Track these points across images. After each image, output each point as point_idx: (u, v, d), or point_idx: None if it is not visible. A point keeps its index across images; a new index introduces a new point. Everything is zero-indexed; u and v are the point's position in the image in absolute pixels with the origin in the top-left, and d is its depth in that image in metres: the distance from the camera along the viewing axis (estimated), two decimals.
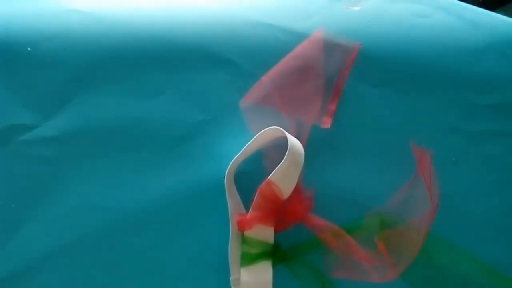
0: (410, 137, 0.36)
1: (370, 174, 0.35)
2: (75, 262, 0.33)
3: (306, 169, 0.33)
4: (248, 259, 0.32)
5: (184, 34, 0.37)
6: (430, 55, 0.38)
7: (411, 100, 0.37)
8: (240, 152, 0.33)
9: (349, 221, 0.34)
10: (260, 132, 0.33)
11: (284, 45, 0.37)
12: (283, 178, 0.32)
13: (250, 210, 0.32)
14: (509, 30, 0.39)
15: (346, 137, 0.36)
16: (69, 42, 0.36)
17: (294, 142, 0.33)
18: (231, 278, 0.33)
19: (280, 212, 0.33)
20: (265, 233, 0.33)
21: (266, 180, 0.32)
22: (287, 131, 0.33)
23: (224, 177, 0.33)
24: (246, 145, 0.33)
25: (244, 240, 0.33)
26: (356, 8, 0.39)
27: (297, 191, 0.33)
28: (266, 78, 0.36)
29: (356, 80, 0.37)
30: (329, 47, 0.37)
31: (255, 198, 0.32)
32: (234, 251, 0.33)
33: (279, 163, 0.32)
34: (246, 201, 0.33)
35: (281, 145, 0.33)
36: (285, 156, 0.32)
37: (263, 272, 0.32)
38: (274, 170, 0.32)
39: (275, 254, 0.33)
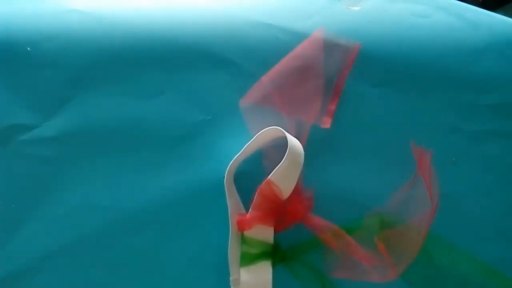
0: (410, 137, 0.36)
1: (370, 174, 0.35)
2: (75, 262, 0.33)
3: (306, 169, 0.33)
4: (247, 259, 0.32)
5: (184, 34, 0.37)
6: (430, 55, 0.38)
7: (411, 100, 0.37)
8: (240, 152, 0.33)
9: (349, 221, 0.34)
10: (260, 132, 0.33)
11: (284, 45, 0.37)
12: (283, 178, 0.32)
13: (250, 210, 0.32)
14: (509, 30, 0.39)
15: (346, 137, 0.36)
16: (69, 42, 0.36)
17: (294, 142, 0.33)
18: (230, 278, 0.33)
19: (280, 212, 0.33)
20: (265, 233, 0.33)
21: (266, 180, 0.32)
22: (287, 131, 0.33)
23: (224, 177, 0.33)
24: (246, 145, 0.33)
25: (243, 240, 0.33)
26: (356, 8, 0.39)
27: (297, 191, 0.33)
28: (266, 78, 0.36)
29: (356, 80, 0.37)
30: (329, 47, 0.37)
31: (255, 198, 0.32)
32: (233, 251, 0.33)
33: (279, 163, 0.32)
34: (246, 201, 0.33)
35: (281, 145, 0.33)
36: (285, 156, 0.32)
37: (263, 272, 0.32)
38: (274, 170, 0.32)
39: (275, 254, 0.33)
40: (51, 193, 0.34)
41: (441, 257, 0.35)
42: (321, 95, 0.36)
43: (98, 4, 0.38)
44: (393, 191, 0.35)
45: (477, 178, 0.36)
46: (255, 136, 0.33)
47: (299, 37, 0.37)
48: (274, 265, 0.33)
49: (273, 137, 0.34)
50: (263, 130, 0.33)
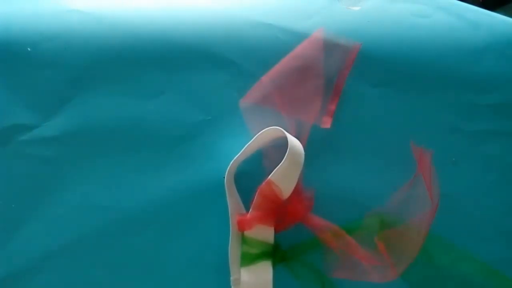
0: (410, 137, 0.36)
1: (370, 174, 0.35)
2: (75, 262, 0.33)
3: (306, 169, 0.33)
4: (248, 259, 0.32)
5: (184, 34, 0.37)
6: (430, 55, 0.38)
7: (411, 100, 0.37)
8: (240, 152, 0.33)
9: (349, 221, 0.34)
10: (260, 132, 0.33)
11: (284, 45, 0.37)
12: (283, 178, 0.32)
13: (250, 210, 0.32)
14: (509, 30, 0.39)
15: (346, 137, 0.36)
16: (69, 42, 0.36)
17: (294, 142, 0.33)
18: (231, 278, 0.33)
19: (280, 212, 0.33)
20: (265, 233, 0.33)
21: (266, 180, 0.32)
22: (287, 131, 0.33)
23: (224, 177, 0.33)
24: (246, 145, 0.33)
25: (244, 240, 0.33)
26: (356, 8, 0.39)
27: (297, 191, 0.33)
28: (266, 78, 0.36)
29: (356, 80, 0.37)
30: (329, 47, 0.37)
31: (255, 198, 0.32)
32: (234, 251, 0.33)
33: (279, 163, 0.32)
34: (246, 201, 0.33)
35: (281, 145, 0.33)
36: (285, 156, 0.32)
37: (263, 272, 0.32)
38: (274, 170, 0.32)
39: (275, 254, 0.33)
40: (51, 193, 0.34)
41: (441, 257, 0.35)
42: (321, 95, 0.36)
43: (98, 4, 0.38)
44: (393, 191, 0.35)
45: (477, 178, 0.36)
46: (255, 136, 0.33)
47: (299, 37, 0.37)
48: (274, 265, 0.33)
49: (273, 137, 0.34)
50: (263, 130, 0.33)
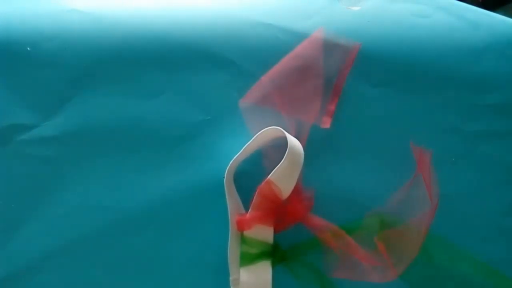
0: (410, 137, 0.36)
1: (370, 174, 0.35)
2: (75, 262, 0.33)
3: (306, 169, 0.33)
4: (247, 259, 0.32)
5: (184, 34, 0.37)
6: (430, 55, 0.38)
7: (411, 100, 0.37)
8: (240, 152, 0.33)
9: (349, 221, 0.34)
10: (260, 132, 0.33)
11: (284, 45, 0.37)
12: (282, 178, 0.32)
13: (249, 210, 0.32)
14: (509, 30, 0.39)
15: (346, 137, 0.36)
16: (69, 42, 0.36)
17: (293, 142, 0.33)
18: (230, 278, 0.33)
19: (279, 212, 0.33)
20: (264, 233, 0.33)
21: (265, 180, 0.32)
22: (287, 131, 0.33)
23: (224, 177, 0.33)
24: (246, 145, 0.33)
25: (243, 240, 0.33)
26: (356, 8, 0.39)
27: (297, 191, 0.33)
28: (266, 78, 0.36)
29: (356, 80, 0.37)
30: (329, 47, 0.37)
31: (254, 198, 0.32)
32: (233, 251, 0.33)
33: (279, 163, 0.32)
34: (246, 201, 0.33)
35: (281, 145, 0.33)
36: (285, 156, 0.32)
37: (263, 272, 0.32)
38: (273, 170, 0.32)
39: (275, 254, 0.33)
40: (51, 193, 0.34)
41: (441, 257, 0.35)
42: (321, 95, 0.36)
43: (98, 4, 0.38)
44: (393, 191, 0.35)
45: (477, 178, 0.36)
46: (255, 136, 0.33)
47: (299, 37, 0.37)
48: (274, 265, 0.33)
49: (273, 137, 0.34)
50: (263, 130, 0.33)
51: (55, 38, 0.36)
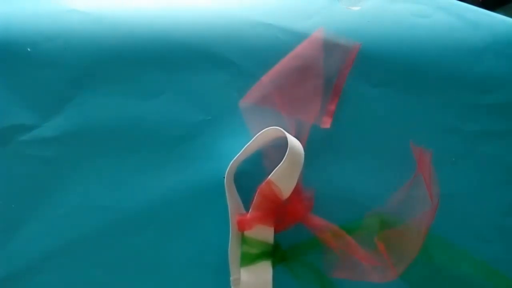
0: (410, 137, 0.36)
1: (370, 174, 0.35)
2: (75, 262, 0.33)
3: (306, 169, 0.33)
4: (248, 259, 0.32)
5: (184, 34, 0.37)
6: (430, 55, 0.38)
7: (411, 100, 0.37)
8: (240, 152, 0.33)
9: (349, 221, 0.34)
10: (260, 132, 0.33)
11: (284, 45, 0.37)
12: (283, 178, 0.32)
13: (250, 210, 0.32)
14: (509, 30, 0.39)
15: (346, 137, 0.36)
16: (69, 42, 0.36)
17: (294, 142, 0.33)
18: (231, 278, 0.33)
19: (280, 212, 0.33)
20: (265, 233, 0.33)
21: (266, 180, 0.32)
22: (287, 131, 0.33)
23: (224, 177, 0.33)
24: (246, 145, 0.33)
25: (244, 240, 0.33)
26: (356, 8, 0.39)
27: (297, 191, 0.33)
28: (266, 78, 0.36)
29: (356, 80, 0.37)
30: (329, 47, 0.37)
31: (255, 198, 0.32)
32: (234, 251, 0.33)
33: (279, 163, 0.32)
34: (246, 201, 0.33)
35: (281, 145, 0.33)
36: (285, 156, 0.32)
37: (263, 272, 0.32)
38: (274, 170, 0.32)
39: (275, 254, 0.33)
40: (51, 193, 0.34)
41: (441, 257, 0.35)
42: (321, 95, 0.36)
43: (98, 4, 0.38)
44: (393, 191, 0.35)
45: (477, 178, 0.36)
46: (255, 136, 0.33)
47: (299, 37, 0.37)
48: (274, 265, 0.33)
49: (273, 137, 0.34)
50: (263, 130, 0.33)
51: (55, 38, 0.36)
